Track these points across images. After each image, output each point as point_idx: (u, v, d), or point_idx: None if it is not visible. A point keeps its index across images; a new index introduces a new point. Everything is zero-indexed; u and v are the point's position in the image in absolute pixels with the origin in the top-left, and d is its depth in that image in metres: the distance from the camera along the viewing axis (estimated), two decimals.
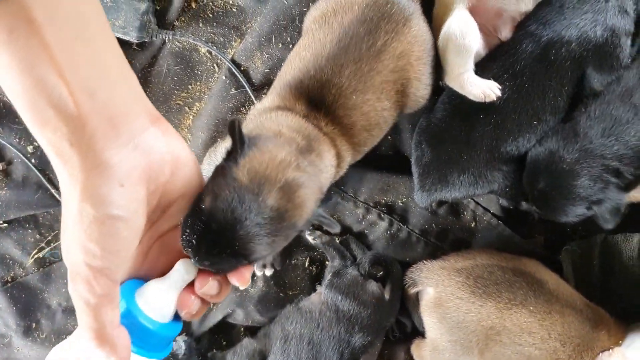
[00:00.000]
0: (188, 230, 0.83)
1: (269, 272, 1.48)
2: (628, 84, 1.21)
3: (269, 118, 1.12)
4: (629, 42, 1.21)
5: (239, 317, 1.52)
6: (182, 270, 0.84)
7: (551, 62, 1.20)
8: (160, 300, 0.82)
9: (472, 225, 1.50)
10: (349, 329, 1.43)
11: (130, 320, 0.79)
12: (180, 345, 1.50)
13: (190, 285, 0.86)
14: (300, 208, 0.91)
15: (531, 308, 1.36)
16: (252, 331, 1.56)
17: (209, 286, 0.85)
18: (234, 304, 1.50)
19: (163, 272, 0.86)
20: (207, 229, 0.82)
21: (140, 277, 0.86)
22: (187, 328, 1.57)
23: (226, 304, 1.51)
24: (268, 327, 1.51)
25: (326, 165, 1.11)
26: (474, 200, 1.49)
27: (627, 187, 1.26)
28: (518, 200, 1.41)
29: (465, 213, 1.51)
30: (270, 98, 1.20)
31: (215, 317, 1.53)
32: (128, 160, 0.71)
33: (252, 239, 0.84)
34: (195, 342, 1.58)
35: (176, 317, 0.87)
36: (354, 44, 1.15)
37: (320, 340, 1.42)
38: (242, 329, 1.58)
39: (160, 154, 0.77)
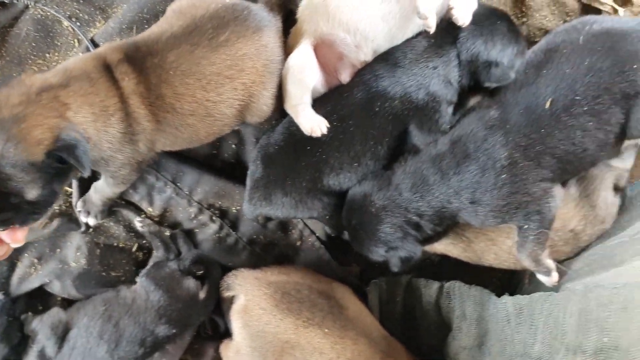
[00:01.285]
0: None
1: (92, 221, 1.51)
2: (441, 149, 1.31)
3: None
4: (449, 110, 1.31)
5: (56, 289, 1.55)
6: None
7: (375, 113, 1.29)
8: None
9: (298, 244, 1.59)
10: (156, 319, 1.48)
11: None
12: None
13: None
14: (25, 142, 1.04)
15: (326, 330, 1.45)
16: (69, 302, 1.59)
17: None
18: (53, 274, 1.53)
19: None
20: None
21: None
22: (5, 288, 1.57)
23: (46, 273, 1.53)
24: (83, 302, 1.54)
25: (90, 103, 1.16)
26: (303, 221, 1.57)
27: (424, 241, 1.37)
28: (339, 229, 1.50)
29: (293, 231, 1.59)
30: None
31: (32, 283, 1.55)
32: None
33: None
34: (11, 302, 1.59)
35: None
36: (197, 31, 1.24)
37: (126, 325, 1.47)
38: (60, 299, 1.60)
39: None
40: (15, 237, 1.11)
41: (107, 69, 1.19)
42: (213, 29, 1.23)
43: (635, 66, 1.19)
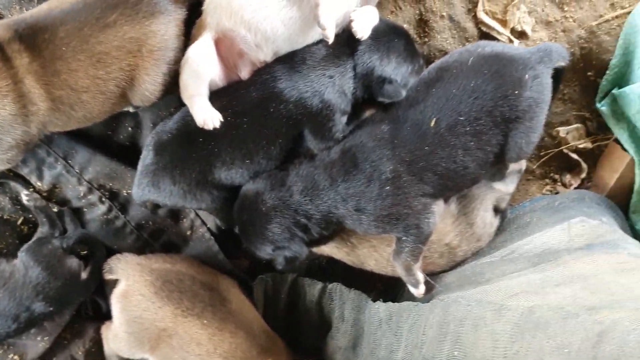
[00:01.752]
0: None
1: None
2: (332, 157, 1.34)
3: None
4: (343, 119, 1.34)
5: None
6: None
7: (270, 114, 1.31)
8: None
9: (188, 234, 1.59)
10: (32, 295, 1.45)
11: None
12: None
13: None
14: None
15: (205, 321, 1.47)
16: None
17: None
18: None
19: None
20: None
21: None
22: None
23: None
24: None
25: None
26: (195, 211, 1.58)
27: (311, 243, 1.40)
28: (229, 223, 1.51)
29: (184, 220, 1.59)
30: None
31: None
32: None
33: None
34: None
35: None
36: (86, 10, 1.23)
37: (1, 298, 1.44)
38: None
39: None
40: None
41: (8, 44, 1.16)
42: (101, 10, 1.23)
43: (516, 92, 1.25)
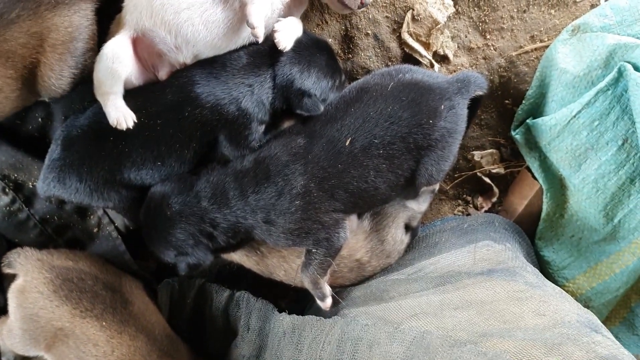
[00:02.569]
0: None
1: None
2: (245, 166, 1.33)
3: None
4: (260, 129, 1.33)
5: None
6: None
7: (184, 117, 1.28)
8: None
9: (95, 231, 1.54)
10: None
11: None
12: None
13: None
14: None
15: (104, 323, 1.42)
16: None
17: None
18: None
19: None
20: None
21: None
22: None
23: None
24: None
25: None
26: (103, 209, 1.53)
27: (216, 251, 1.38)
28: (137, 223, 1.47)
29: (91, 217, 1.54)
30: None
31: None
32: None
33: None
34: None
35: None
36: None
37: None
38: None
39: None
40: None
41: None
42: (3, 4, 1.16)
43: (431, 121, 1.28)
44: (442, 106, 1.28)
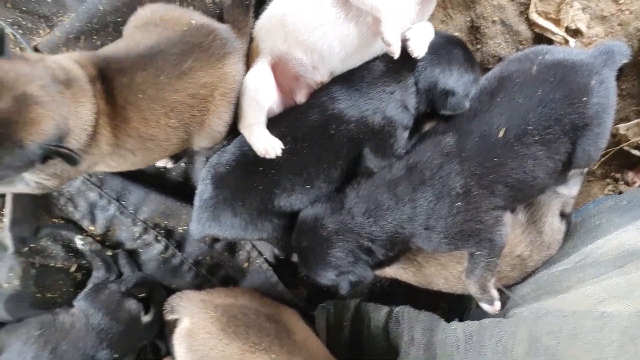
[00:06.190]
0: None
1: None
2: (396, 174, 1.30)
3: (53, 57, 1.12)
4: (405, 135, 1.30)
5: None
6: None
7: (330, 136, 1.27)
8: None
9: (245, 266, 1.55)
10: (96, 343, 1.41)
11: None
12: None
13: None
14: (31, 125, 0.93)
15: (273, 355, 1.41)
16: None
17: None
18: None
19: None
20: None
21: None
22: None
23: None
24: (14, 325, 1.45)
25: (80, 112, 1.09)
26: (251, 242, 1.53)
27: (376, 266, 1.35)
28: (288, 251, 1.47)
29: (240, 252, 1.55)
30: (73, 53, 1.19)
31: None
32: None
33: None
34: None
35: None
36: (162, 56, 1.18)
37: (64, 351, 1.39)
38: None
39: None
40: None
41: (93, 81, 1.12)
42: (177, 56, 1.18)
43: (584, 99, 1.21)
44: (593, 81, 1.22)
